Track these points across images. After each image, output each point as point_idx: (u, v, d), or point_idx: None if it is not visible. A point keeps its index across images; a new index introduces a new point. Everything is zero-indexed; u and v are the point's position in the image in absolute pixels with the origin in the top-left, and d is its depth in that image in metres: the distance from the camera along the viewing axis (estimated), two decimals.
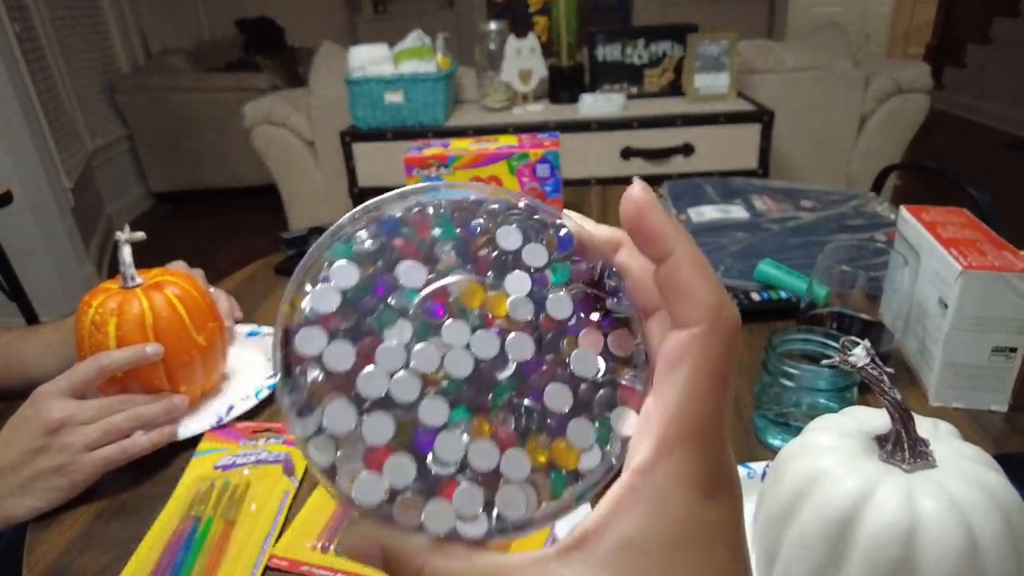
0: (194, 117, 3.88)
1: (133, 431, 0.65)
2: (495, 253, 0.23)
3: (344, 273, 0.22)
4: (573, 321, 0.23)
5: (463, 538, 0.20)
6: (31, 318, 1.97)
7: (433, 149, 1.14)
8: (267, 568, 0.53)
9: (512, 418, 0.21)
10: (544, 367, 0.22)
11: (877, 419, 0.46)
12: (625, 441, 0.21)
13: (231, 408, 0.71)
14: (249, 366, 0.81)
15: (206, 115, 3.88)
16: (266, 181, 3.04)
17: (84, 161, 3.23)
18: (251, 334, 0.86)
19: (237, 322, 0.88)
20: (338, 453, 0.20)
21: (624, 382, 0.22)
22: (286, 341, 0.21)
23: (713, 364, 0.19)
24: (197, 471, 0.64)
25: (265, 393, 0.74)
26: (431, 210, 0.23)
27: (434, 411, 0.21)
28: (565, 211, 0.25)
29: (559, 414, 0.22)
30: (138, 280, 0.71)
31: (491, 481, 0.21)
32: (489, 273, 0.23)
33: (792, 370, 0.60)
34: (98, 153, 3.54)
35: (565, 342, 0.22)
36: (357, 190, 2.16)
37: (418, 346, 0.21)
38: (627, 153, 2.05)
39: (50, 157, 2.69)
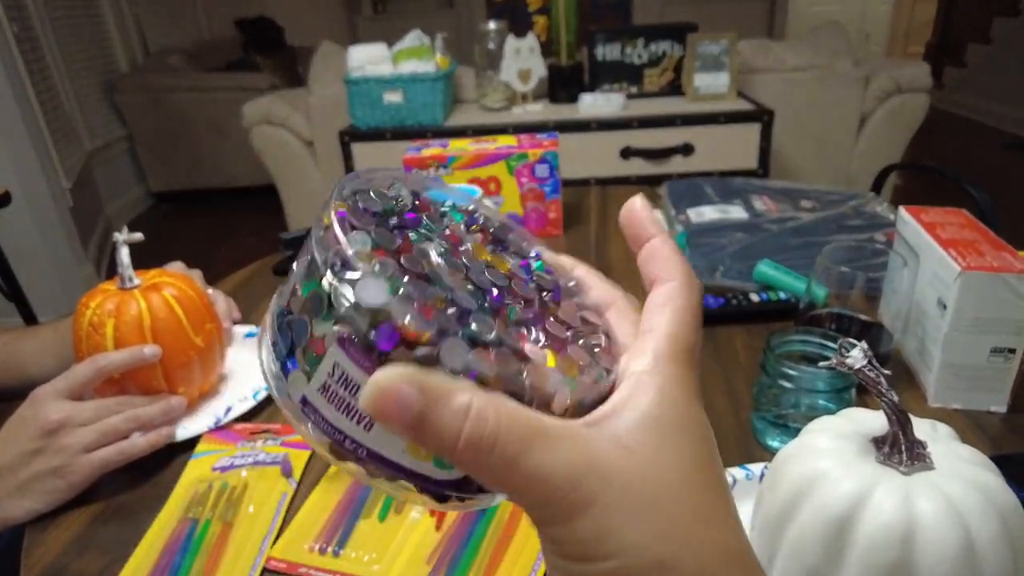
0: (193, 117, 3.88)
1: (131, 432, 0.64)
2: (490, 234, 0.29)
3: (356, 239, 0.23)
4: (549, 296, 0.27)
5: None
6: (29, 318, 1.97)
7: (432, 149, 1.14)
8: (265, 570, 0.53)
9: (523, 330, 0.24)
10: (542, 314, 0.25)
11: (875, 421, 0.46)
12: (611, 372, 0.24)
13: (229, 409, 0.71)
14: (247, 367, 0.80)
15: (205, 115, 3.88)
16: (265, 181, 3.04)
17: (83, 161, 3.23)
18: (249, 335, 0.86)
19: (235, 323, 0.88)
20: (390, 297, 0.20)
21: (596, 344, 0.26)
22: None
23: (692, 304, 0.25)
24: (195, 473, 0.64)
25: (263, 394, 0.73)
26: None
27: (469, 297, 0.23)
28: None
29: (559, 339, 0.24)
30: (136, 281, 0.71)
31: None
32: (489, 245, 0.28)
33: (791, 371, 0.60)
34: (97, 153, 3.54)
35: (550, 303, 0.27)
36: None
37: (446, 255, 0.25)
38: (627, 153, 2.05)
39: (48, 157, 2.69)
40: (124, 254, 0.71)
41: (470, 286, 0.24)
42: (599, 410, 0.22)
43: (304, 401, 0.22)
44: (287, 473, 0.63)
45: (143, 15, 4.32)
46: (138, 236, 0.74)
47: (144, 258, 0.74)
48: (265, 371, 0.23)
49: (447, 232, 0.26)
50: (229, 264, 0.95)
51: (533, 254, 0.30)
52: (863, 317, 0.73)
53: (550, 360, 0.23)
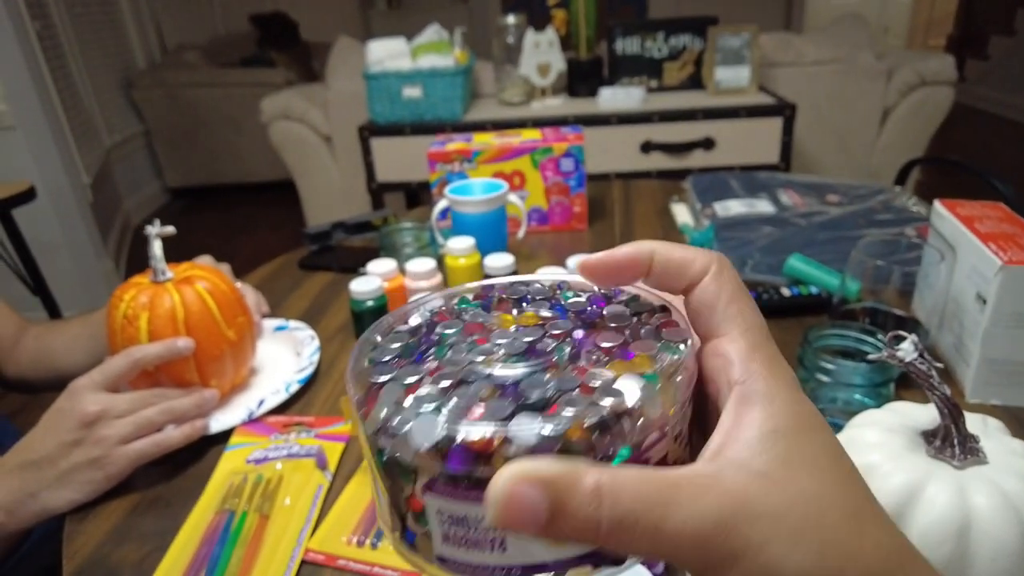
0: (209, 113, 3.90)
1: (165, 425, 0.65)
2: (510, 299, 0.28)
3: (393, 340, 0.25)
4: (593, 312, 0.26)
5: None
6: (53, 312, 1.99)
7: (456, 144, 1.13)
8: (303, 562, 0.53)
9: (580, 362, 0.23)
10: (590, 334, 0.24)
11: (923, 414, 0.45)
12: (686, 340, 0.23)
13: (262, 402, 0.72)
14: (277, 360, 0.81)
15: (221, 111, 3.90)
16: (281, 176, 3.06)
17: (102, 157, 3.26)
18: (279, 328, 0.86)
19: (264, 316, 0.89)
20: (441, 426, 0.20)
21: (659, 323, 0.25)
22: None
23: (738, 285, 0.24)
24: (229, 465, 0.65)
25: (295, 387, 0.74)
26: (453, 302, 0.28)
27: (509, 370, 0.22)
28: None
29: (617, 346, 0.23)
30: (169, 275, 0.71)
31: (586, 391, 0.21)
32: (513, 310, 0.27)
33: (829, 365, 0.60)
34: (115, 149, 3.56)
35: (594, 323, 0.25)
36: (375, 185, 2.16)
37: (474, 347, 0.24)
38: (647, 147, 2.04)
39: (70, 153, 2.71)
40: (157, 247, 0.71)
41: (511, 360, 0.23)
42: (714, 441, 0.21)
43: (441, 559, 0.21)
44: (322, 465, 0.63)
45: (161, 12, 4.35)
46: (170, 229, 0.74)
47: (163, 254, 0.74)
48: (399, 552, 0.23)
49: (469, 323, 0.26)
50: (247, 259, 0.95)
51: (558, 287, 0.28)
52: (897, 312, 0.72)
53: (619, 371, 0.22)
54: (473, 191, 1.02)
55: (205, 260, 0.86)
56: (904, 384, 0.67)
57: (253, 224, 3.65)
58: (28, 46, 2.50)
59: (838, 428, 0.53)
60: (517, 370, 0.22)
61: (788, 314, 0.83)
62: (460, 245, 0.88)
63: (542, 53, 2.11)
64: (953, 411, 0.40)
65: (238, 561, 0.53)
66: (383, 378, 0.23)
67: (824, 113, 2.28)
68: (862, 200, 1.09)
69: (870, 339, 0.63)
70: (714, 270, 0.24)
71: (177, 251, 0.88)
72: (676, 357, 0.22)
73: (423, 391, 0.21)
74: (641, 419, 0.20)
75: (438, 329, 0.26)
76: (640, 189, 1.36)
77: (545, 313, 0.26)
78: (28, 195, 1.85)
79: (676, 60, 2.19)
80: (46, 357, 0.92)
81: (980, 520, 0.37)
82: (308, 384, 0.76)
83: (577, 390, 0.21)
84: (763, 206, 1.08)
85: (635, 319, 0.25)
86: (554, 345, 0.24)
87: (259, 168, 4.00)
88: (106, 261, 2.86)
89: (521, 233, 1.07)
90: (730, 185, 1.18)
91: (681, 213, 1.20)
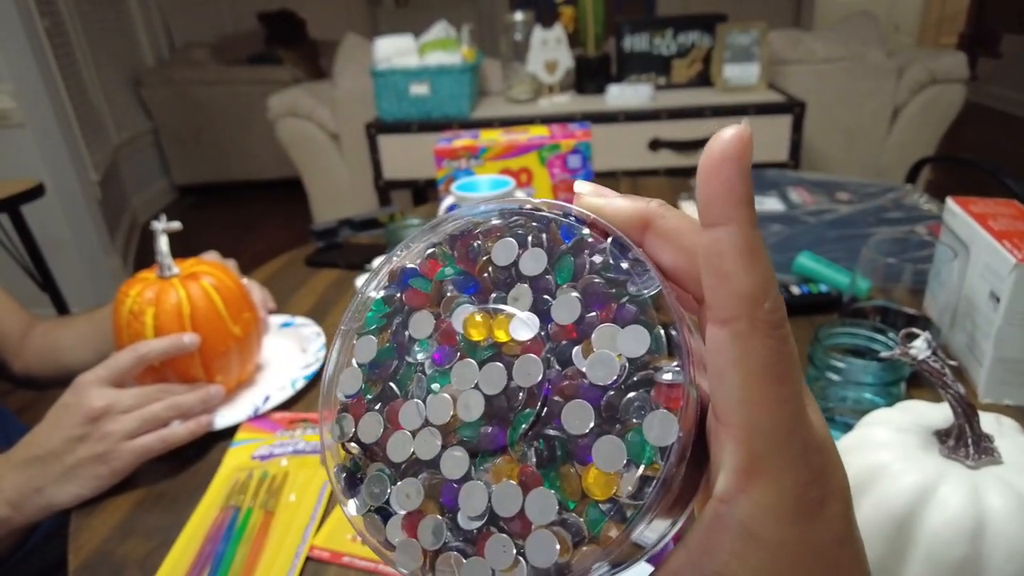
0: (217, 110, 3.91)
1: (171, 420, 0.65)
2: (492, 271, 0.21)
3: (364, 347, 0.22)
4: (590, 317, 0.20)
5: None
6: (61, 309, 2.00)
7: (463, 140, 1.13)
8: (308, 559, 0.53)
9: (533, 452, 0.19)
10: (564, 382, 0.19)
11: (935, 413, 0.44)
12: (666, 450, 0.18)
13: (267, 398, 0.71)
14: (283, 356, 0.81)
15: (229, 108, 3.91)
16: (288, 174, 3.05)
17: (110, 154, 3.27)
18: (285, 325, 0.86)
19: (271, 313, 0.88)
20: (386, 525, 0.20)
21: (659, 379, 0.18)
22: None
23: (764, 367, 0.17)
24: (234, 461, 0.64)
25: (301, 384, 0.73)
26: (437, 250, 0.23)
27: (454, 464, 0.20)
28: (581, 189, 0.23)
29: (581, 436, 0.19)
30: (175, 270, 0.71)
31: (523, 526, 0.19)
32: (493, 295, 0.21)
33: (839, 364, 0.59)
34: (123, 146, 3.58)
35: (579, 349, 0.19)
36: (383, 182, 2.16)
37: (429, 399, 0.21)
38: (655, 145, 2.03)
39: (78, 150, 2.72)
40: (163, 243, 0.71)
41: (463, 427, 0.20)
42: (676, 558, 0.19)
43: None
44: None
45: (169, 10, 4.36)
46: (176, 225, 0.74)
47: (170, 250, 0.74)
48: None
49: (443, 330, 0.21)
50: (254, 256, 0.95)
51: (563, 237, 0.21)
52: (909, 310, 0.71)
53: (570, 486, 0.19)
54: (480, 188, 1.01)
55: (211, 256, 0.86)
56: (915, 383, 0.66)
57: (260, 221, 3.65)
58: (38, 44, 2.51)
59: (848, 427, 0.53)
60: (461, 465, 0.20)
61: (798, 312, 0.82)
62: None
63: (550, 50, 2.10)
64: (967, 410, 0.39)
65: (243, 558, 0.53)
66: (342, 429, 0.22)
67: (834, 111, 2.26)
68: (872, 198, 1.08)
69: (881, 337, 0.62)
70: (739, 328, 0.17)
71: (185, 248, 0.88)
72: (643, 493, 0.18)
73: (374, 475, 0.21)
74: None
75: (410, 324, 0.22)
76: (649, 187, 1.35)
77: (518, 332, 0.20)
78: (37, 192, 1.86)
79: (684, 57, 2.18)
80: (53, 353, 0.92)
81: (995, 521, 0.36)
82: (314, 381, 0.76)
83: (511, 534, 0.19)
84: (773, 204, 1.08)
85: (627, 370, 0.19)
86: (516, 407, 0.20)
87: (266, 165, 4.01)
88: (114, 258, 2.87)
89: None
90: None
91: (691, 211, 1.19)
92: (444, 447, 0.20)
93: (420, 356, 0.21)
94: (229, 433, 0.68)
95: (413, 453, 0.20)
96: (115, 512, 0.60)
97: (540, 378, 0.19)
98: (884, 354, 0.42)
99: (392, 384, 0.22)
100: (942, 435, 0.42)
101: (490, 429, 0.20)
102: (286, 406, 0.72)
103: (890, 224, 0.98)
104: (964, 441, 0.40)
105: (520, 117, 2.02)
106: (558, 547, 0.18)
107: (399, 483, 0.20)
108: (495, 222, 0.22)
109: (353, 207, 2.50)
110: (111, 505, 0.61)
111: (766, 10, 4.78)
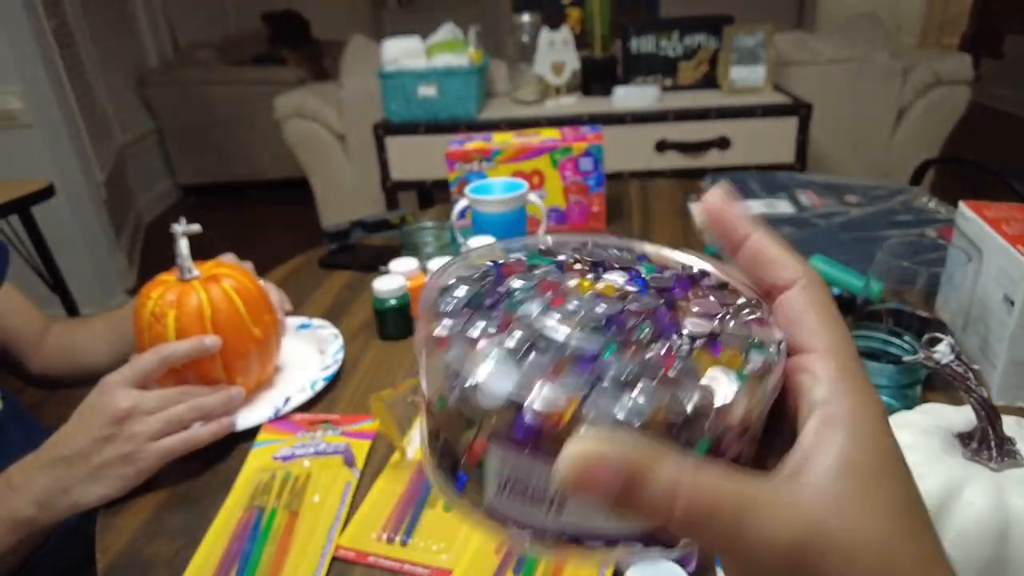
0: (221, 110, 3.92)
1: (193, 422, 0.66)
2: (584, 262, 0.26)
3: (459, 289, 0.24)
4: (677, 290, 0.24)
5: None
6: (71, 310, 2.01)
7: (475, 143, 1.14)
8: (334, 559, 0.54)
9: (664, 345, 0.21)
10: (674, 317, 0.23)
11: (956, 416, 0.45)
12: (779, 343, 0.22)
13: (288, 400, 0.72)
14: (301, 358, 0.81)
15: (233, 108, 3.91)
16: (291, 175, 3.05)
17: (115, 155, 3.28)
18: (302, 326, 0.87)
19: (287, 314, 0.89)
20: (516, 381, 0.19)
21: (749, 318, 0.23)
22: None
23: (829, 303, 0.23)
24: (256, 462, 0.65)
25: (320, 385, 0.74)
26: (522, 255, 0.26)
27: (588, 340, 0.21)
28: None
29: (705, 336, 0.22)
30: (195, 272, 0.71)
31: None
32: (589, 275, 0.25)
33: None
34: (128, 147, 3.58)
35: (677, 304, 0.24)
36: (389, 184, 2.17)
37: (547, 307, 0.22)
38: (662, 146, 2.03)
39: (85, 151, 2.73)
40: (183, 245, 0.72)
41: (587, 329, 0.21)
42: (793, 459, 0.20)
43: (491, 509, 0.21)
44: (350, 463, 0.63)
45: (173, 10, 4.37)
46: (196, 228, 0.75)
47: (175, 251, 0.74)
48: (444, 495, 0.23)
49: (542, 282, 0.24)
50: (259, 256, 0.96)
51: (637, 259, 0.26)
52: (922, 313, 0.72)
53: (704, 363, 0.21)
54: (493, 190, 1.02)
55: (228, 258, 0.86)
56: (930, 386, 0.67)
57: (265, 222, 3.66)
58: (46, 45, 2.51)
59: None
60: (596, 342, 0.21)
61: None
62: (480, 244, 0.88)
63: (556, 52, 2.10)
64: (991, 413, 0.40)
65: (269, 558, 0.54)
66: (453, 321, 0.22)
67: (839, 112, 2.27)
68: (881, 201, 1.09)
69: (896, 341, 0.63)
70: (804, 283, 0.23)
71: (190, 248, 0.89)
72: (767, 360, 0.21)
73: (498, 342, 0.20)
74: (726, 418, 0.20)
75: (508, 281, 0.24)
76: (658, 188, 1.36)
77: (625, 285, 0.24)
78: (47, 192, 1.86)
79: (691, 59, 2.19)
80: (69, 353, 0.93)
81: (1020, 523, 0.37)
82: (332, 382, 0.77)
83: (658, 378, 0.20)
84: (783, 206, 1.08)
85: (724, 310, 0.23)
86: (635, 322, 0.22)
87: (271, 166, 4.01)
88: (120, 258, 2.87)
89: (540, 233, 1.07)
90: (749, 185, 1.18)
91: (700, 213, 1.20)
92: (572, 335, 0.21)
93: (519, 286, 0.24)
94: (250, 434, 0.69)
95: (540, 335, 0.21)
96: (140, 512, 0.61)
97: (653, 305, 0.23)
98: (907, 358, 0.43)
99: (502, 305, 0.23)
100: (964, 438, 0.42)
101: (615, 331, 0.22)
102: (306, 407, 0.73)
103: (900, 227, 0.99)
104: (987, 444, 0.40)
105: (527, 119, 2.03)
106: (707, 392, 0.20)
107: (531, 353, 0.20)
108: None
109: (359, 208, 2.50)
110: (136, 506, 0.61)
111: (768, 11, 4.78)
